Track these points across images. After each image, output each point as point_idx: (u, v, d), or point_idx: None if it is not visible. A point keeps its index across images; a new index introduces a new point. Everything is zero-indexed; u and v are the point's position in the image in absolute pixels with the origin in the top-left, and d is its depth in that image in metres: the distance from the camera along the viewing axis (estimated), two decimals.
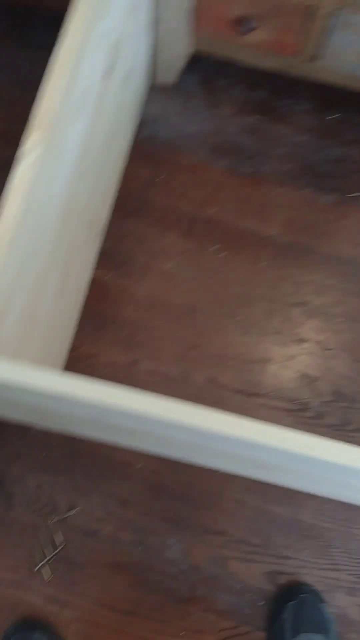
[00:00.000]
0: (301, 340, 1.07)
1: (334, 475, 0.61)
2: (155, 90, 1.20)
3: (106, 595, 0.96)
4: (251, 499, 0.99)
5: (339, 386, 1.04)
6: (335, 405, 1.04)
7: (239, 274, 1.10)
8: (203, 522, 0.99)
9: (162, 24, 1.03)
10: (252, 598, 0.96)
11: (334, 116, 1.19)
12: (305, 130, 1.18)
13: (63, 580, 0.96)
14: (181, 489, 1.00)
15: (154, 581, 0.96)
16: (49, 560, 0.96)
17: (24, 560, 0.97)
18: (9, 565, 0.96)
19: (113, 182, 1.12)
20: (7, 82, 1.21)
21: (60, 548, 0.97)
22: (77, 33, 0.67)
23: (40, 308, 0.78)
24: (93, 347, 1.05)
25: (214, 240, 1.12)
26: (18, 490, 0.99)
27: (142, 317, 1.07)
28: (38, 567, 0.96)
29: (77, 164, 0.78)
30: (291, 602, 0.92)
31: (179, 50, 1.11)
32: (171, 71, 1.16)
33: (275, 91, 1.20)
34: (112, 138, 0.98)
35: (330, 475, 0.61)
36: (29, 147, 0.62)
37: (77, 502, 0.99)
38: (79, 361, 1.04)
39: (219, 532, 0.98)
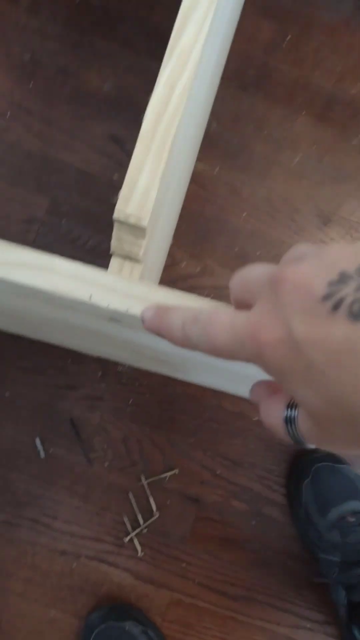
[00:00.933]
0: None
1: None
2: None
3: (212, 575, 0.77)
4: None
5: None
6: None
7: None
8: None
9: None
10: None
11: None
12: None
13: (159, 556, 0.77)
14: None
15: (272, 561, 0.77)
16: (141, 530, 0.77)
17: (110, 527, 0.77)
18: (92, 533, 0.77)
19: (224, 45, 0.83)
20: None
21: (155, 517, 0.77)
22: None
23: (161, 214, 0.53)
24: (195, 265, 0.81)
25: (358, 128, 0.84)
26: (101, 443, 0.79)
27: (259, 228, 0.82)
28: (128, 537, 0.77)
29: None
30: (306, 480, 0.74)
31: None
32: None
33: None
34: None
35: None
36: None
37: (174, 461, 0.78)
38: (177, 282, 0.80)
39: None
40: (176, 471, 0.78)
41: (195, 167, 0.84)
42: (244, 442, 0.79)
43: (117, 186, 0.82)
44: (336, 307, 0.24)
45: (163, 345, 0.50)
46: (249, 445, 0.79)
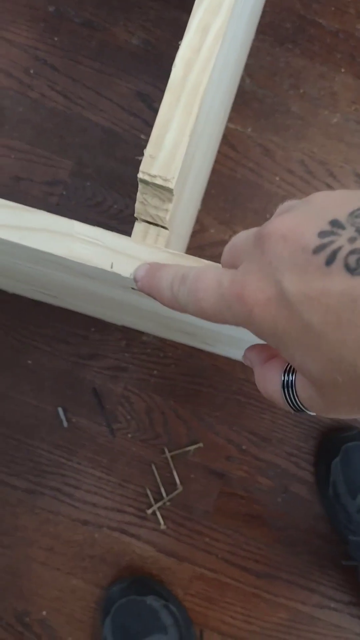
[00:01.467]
0: None
1: None
2: None
3: (236, 551, 0.75)
4: None
5: None
6: None
7: None
8: None
9: None
10: None
11: None
12: None
13: (182, 529, 0.76)
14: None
15: (298, 540, 0.75)
16: (164, 503, 0.75)
17: (133, 499, 0.76)
18: (115, 504, 0.76)
19: None
20: None
21: (178, 490, 0.75)
22: None
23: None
24: (225, 232, 0.77)
25: None
26: (124, 414, 0.77)
27: (292, 193, 0.78)
28: (151, 510, 0.75)
29: None
30: (335, 459, 0.71)
31: None
32: None
33: None
34: None
35: None
36: None
37: (199, 435, 0.76)
38: (205, 250, 0.77)
39: None
40: (201, 445, 0.76)
41: (227, 126, 0.79)
42: (272, 417, 0.76)
43: (144, 146, 0.78)
44: (330, 260, 0.21)
45: (190, 317, 0.47)
46: (277, 421, 0.76)
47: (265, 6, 0.79)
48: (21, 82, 0.80)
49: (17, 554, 0.76)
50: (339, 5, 0.80)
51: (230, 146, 0.78)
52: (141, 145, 0.78)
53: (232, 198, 0.77)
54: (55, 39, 0.81)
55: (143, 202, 0.37)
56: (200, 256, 0.48)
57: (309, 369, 0.23)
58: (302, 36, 0.80)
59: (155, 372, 0.77)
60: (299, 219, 0.23)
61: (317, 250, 0.22)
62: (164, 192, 0.35)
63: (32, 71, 0.80)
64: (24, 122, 0.79)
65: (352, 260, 0.21)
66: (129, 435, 0.76)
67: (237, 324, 0.25)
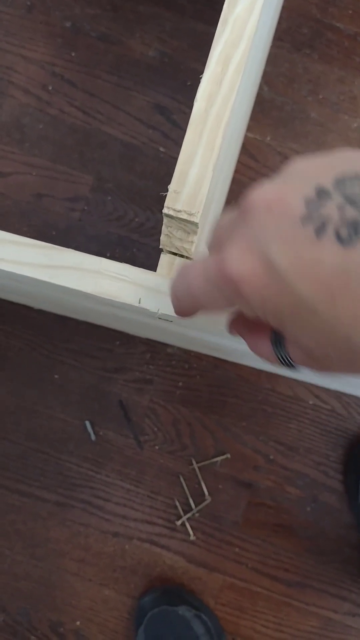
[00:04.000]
0: None
1: None
2: None
3: (266, 561, 0.76)
4: None
5: None
6: None
7: None
8: None
9: None
10: None
11: None
12: None
13: (211, 540, 0.76)
14: None
15: (328, 549, 0.75)
16: (192, 514, 0.76)
17: (162, 511, 0.77)
18: (144, 516, 0.77)
19: (278, 3, 0.77)
20: None
21: (207, 501, 0.76)
22: None
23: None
24: None
25: None
26: (151, 427, 0.77)
27: None
28: (180, 521, 0.76)
29: None
30: None
31: None
32: None
33: None
34: None
35: None
36: None
37: (226, 445, 0.76)
38: None
39: None
40: (228, 455, 0.76)
41: (245, 136, 0.79)
42: (298, 426, 0.76)
43: (163, 159, 0.78)
44: (320, 231, 0.21)
45: (217, 338, 0.48)
46: (304, 430, 0.76)
47: (281, 12, 0.79)
48: (40, 99, 0.80)
49: (50, 565, 0.77)
50: (356, 8, 0.79)
51: (250, 156, 0.78)
52: (160, 159, 0.78)
53: None
54: (73, 54, 0.81)
55: (168, 235, 0.37)
56: None
57: (302, 342, 0.23)
58: (320, 41, 0.79)
59: (180, 383, 0.77)
60: (283, 188, 0.22)
61: (306, 220, 0.21)
62: (189, 225, 0.36)
63: (50, 87, 0.81)
64: (44, 139, 0.80)
65: (343, 231, 0.20)
66: (156, 447, 0.77)
67: (230, 306, 0.25)
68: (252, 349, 0.28)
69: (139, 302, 0.35)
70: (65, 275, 0.35)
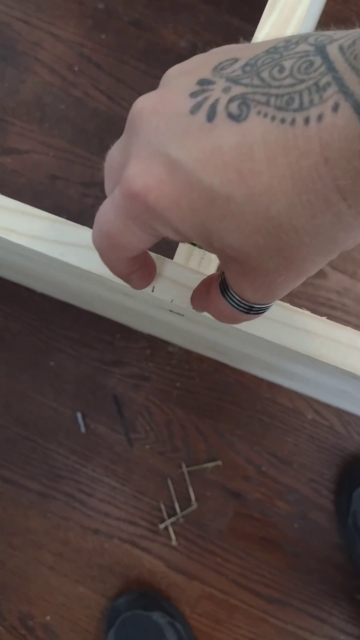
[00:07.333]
0: None
1: None
2: None
3: (247, 574, 0.73)
4: None
5: None
6: None
7: None
8: None
9: None
10: None
11: None
12: None
13: (193, 547, 0.74)
14: None
15: (312, 568, 0.73)
16: (177, 519, 0.74)
17: (146, 512, 0.75)
18: (127, 515, 0.75)
19: (320, 6, 0.75)
20: None
21: (193, 507, 0.74)
22: None
23: None
24: None
25: None
26: (143, 425, 0.75)
27: None
28: (164, 524, 0.74)
29: None
30: (358, 489, 0.69)
31: None
32: None
33: None
34: None
35: None
36: None
37: (218, 452, 0.74)
38: None
39: None
40: (219, 462, 0.74)
41: None
42: (295, 440, 0.74)
43: None
44: (211, 114, 0.20)
45: (226, 340, 0.46)
46: (300, 445, 0.74)
47: (320, 17, 0.77)
48: (64, 79, 0.79)
49: (26, 556, 0.75)
50: None
51: None
52: None
53: None
54: (103, 36, 0.79)
55: None
56: None
57: (230, 243, 0.21)
58: None
59: (178, 384, 0.75)
60: (164, 91, 0.22)
61: (194, 110, 0.20)
62: None
63: (76, 68, 0.79)
64: (65, 120, 0.78)
65: (233, 107, 0.19)
66: (147, 447, 0.75)
67: (151, 232, 0.23)
68: (215, 315, 0.27)
69: (152, 291, 0.33)
70: (77, 254, 0.33)
